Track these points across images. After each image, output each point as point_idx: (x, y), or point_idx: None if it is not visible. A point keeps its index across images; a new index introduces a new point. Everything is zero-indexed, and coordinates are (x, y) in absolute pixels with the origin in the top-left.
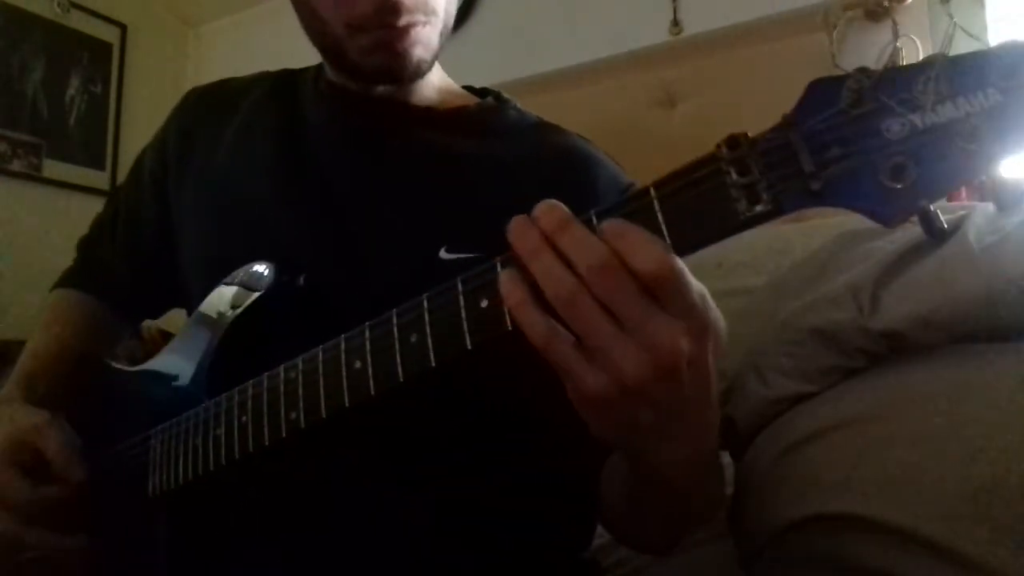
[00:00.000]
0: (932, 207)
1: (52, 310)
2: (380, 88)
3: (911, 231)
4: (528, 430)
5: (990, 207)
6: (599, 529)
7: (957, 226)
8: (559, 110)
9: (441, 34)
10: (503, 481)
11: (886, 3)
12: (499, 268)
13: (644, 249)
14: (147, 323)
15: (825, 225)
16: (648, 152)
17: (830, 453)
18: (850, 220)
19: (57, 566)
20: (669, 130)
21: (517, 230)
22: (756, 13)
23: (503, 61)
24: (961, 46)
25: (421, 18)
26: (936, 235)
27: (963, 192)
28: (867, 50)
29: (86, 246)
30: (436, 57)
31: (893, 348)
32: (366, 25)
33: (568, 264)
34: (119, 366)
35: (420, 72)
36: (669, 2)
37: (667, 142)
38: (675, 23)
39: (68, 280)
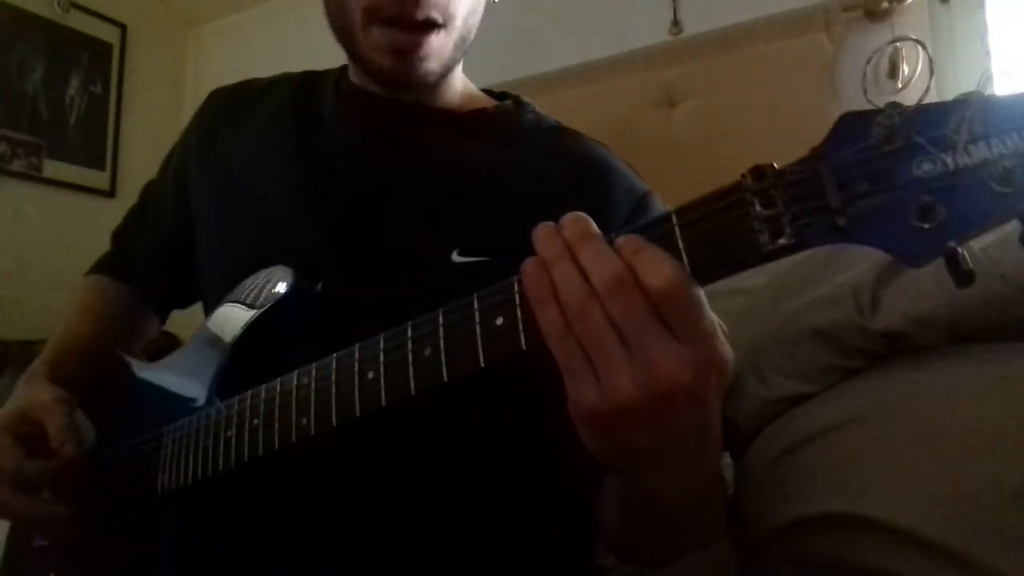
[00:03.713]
0: (960, 249)
1: (83, 294)
2: (401, 91)
3: None
4: (528, 451)
5: None
6: None
7: None
8: (559, 110)
9: (456, 45)
10: (526, 498)
11: (886, 3)
12: (516, 288)
13: (657, 266)
14: None
15: None
16: (648, 152)
17: (830, 453)
18: None
19: (62, 556)
20: (669, 130)
21: (543, 235)
22: (756, 13)
23: (503, 61)
24: (967, 50)
25: (438, 18)
26: (963, 279)
27: None
28: (867, 50)
29: (118, 235)
30: (448, 70)
31: (893, 348)
32: (383, 12)
33: (585, 277)
34: (137, 364)
35: (427, 82)
36: (669, 2)
37: (667, 142)
38: (675, 23)
39: (101, 267)
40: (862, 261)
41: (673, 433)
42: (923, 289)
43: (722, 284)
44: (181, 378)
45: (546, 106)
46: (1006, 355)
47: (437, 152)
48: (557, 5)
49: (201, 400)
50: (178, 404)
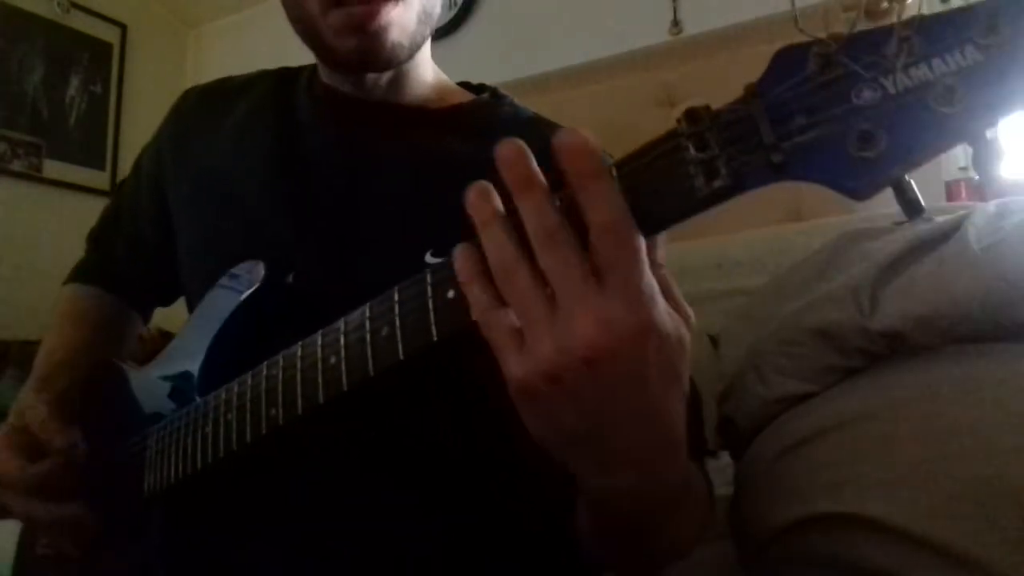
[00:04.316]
0: (906, 177)
1: (64, 305)
2: (370, 78)
3: (911, 231)
4: (491, 438)
5: (990, 207)
6: None
7: (956, 226)
8: (559, 110)
9: (419, 18)
10: (500, 487)
11: (886, 3)
12: None
13: (604, 197)
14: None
15: (825, 225)
16: None
17: (830, 453)
18: (850, 220)
19: (63, 561)
20: None
21: (475, 196)
22: (756, 13)
23: (503, 61)
24: None
25: None
26: (911, 209)
27: (963, 192)
28: None
29: (94, 239)
30: (416, 45)
31: (893, 348)
32: None
33: (519, 232)
34: (127, 368)
35: (396, 57)
36: (669, 2)
37: None
38: (675, 23)
39: (78, 275)
40: (862, 261)
41: (603, 413)
42: (923, 289)
43: (722, 284)
44: (168, 378)
45: (546, 106)
46: (1006, 356)
47: (411, 150)
48: (557, 5)
49: (188, 398)
50: (167, 404)
